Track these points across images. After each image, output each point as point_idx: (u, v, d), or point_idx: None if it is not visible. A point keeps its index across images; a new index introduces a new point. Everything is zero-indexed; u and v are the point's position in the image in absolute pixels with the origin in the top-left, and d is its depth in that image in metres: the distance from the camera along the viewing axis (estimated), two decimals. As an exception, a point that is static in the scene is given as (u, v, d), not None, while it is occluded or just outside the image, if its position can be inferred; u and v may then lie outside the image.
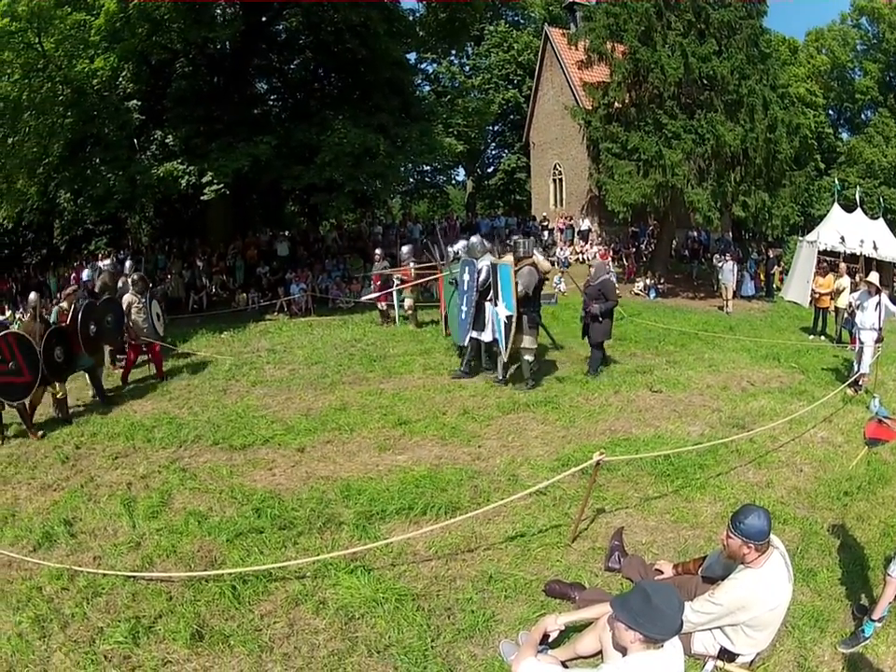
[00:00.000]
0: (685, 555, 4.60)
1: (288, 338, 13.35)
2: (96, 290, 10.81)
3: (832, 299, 14.43)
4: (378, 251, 15.40)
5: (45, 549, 4.87)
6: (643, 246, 25.18)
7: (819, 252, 18.24)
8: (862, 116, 42.50)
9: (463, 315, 9.49)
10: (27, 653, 3.71)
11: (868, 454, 6.65)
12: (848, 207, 21.06)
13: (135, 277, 10.59)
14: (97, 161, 17.75)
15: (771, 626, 3.49)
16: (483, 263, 9.09)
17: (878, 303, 9.39)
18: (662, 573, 4.17)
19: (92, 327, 8.75)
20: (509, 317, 8.34)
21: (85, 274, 14.07)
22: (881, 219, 20.94)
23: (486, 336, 9.17)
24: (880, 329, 9.41)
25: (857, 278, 15.65)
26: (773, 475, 6.12)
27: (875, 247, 18.02)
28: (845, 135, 43.15)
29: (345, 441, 7.03)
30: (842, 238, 18.38)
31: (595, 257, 20.69)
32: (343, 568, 4.43)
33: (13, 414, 7.63)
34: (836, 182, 26.04)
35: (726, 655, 3.55)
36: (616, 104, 20.35)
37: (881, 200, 28.35)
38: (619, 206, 19.65)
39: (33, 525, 5.20)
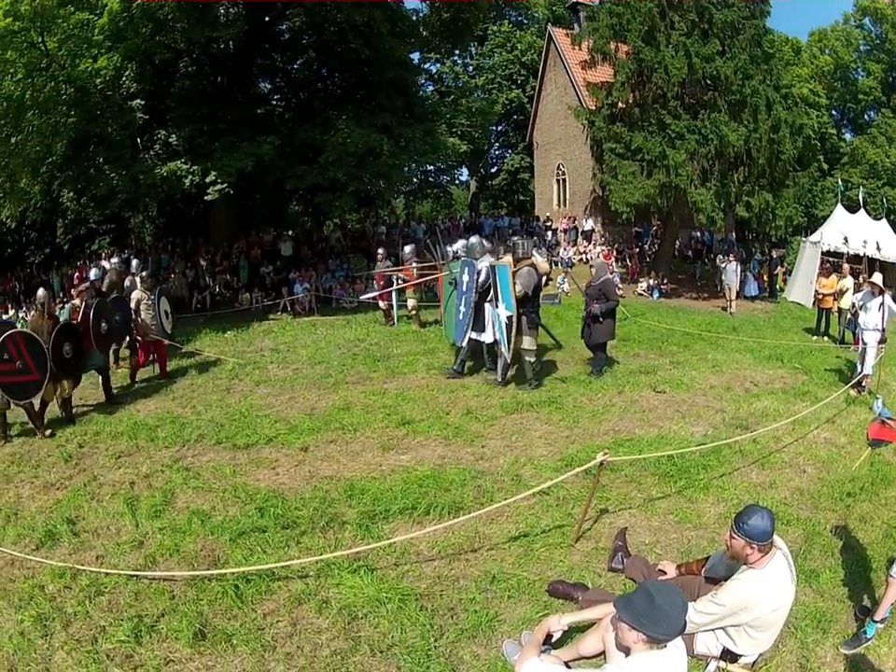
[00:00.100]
0: (688, 556, 4.60)
1: (292, 337, 13.35)
2: (104, 290, 10.85)
3: (835, 299, 14.42)
4: (380, 251, 15.40)
5: (47, 547, 4.88)
6: (646, 247, 25.12)
7: (823, 253, 18.25)
8: (865, 116, 42.33)
9: (461, 316, 9.48)
10: (29, 652, 3.72)
11: (871, 455, 6.64)
12: (852, 208, 21.04)
13: (144, 275, 10.63)
14: (100, 160, 17.79)
15: (773, 627, 3.48)
16: (483, 264, 9.10)
17: (881, 304, 9.38)
18: (665, 574, 4.16)
19: (104, 324, 8.82)
20: (509, 318, 8.35)
21: (93, 274, 14.13)
22: (884, 220, 20.95)
23: (487, 337, 9.16)
24: (883, 329, 9.38)
25: (860, 279, 15.65)
26: (776, 476, 6.12)
27: (879, 248, 18.01)
28: (848, 136, 42.99)
29: (349, 440, 7.04)
30: (845, 239, 18.38)
31: (598, 257, 20.63)
32: (346, 568, 4.43)
33: (16, 414, 7.64)
34: (840, 183, 25.95)
35: (729, 656, 3.55)
36: (620, 104, 20.31)
37: (884, 200, 28.36)
38: (622, 206, 19.62)
39: (35, 524, 5.21)
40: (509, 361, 8.81)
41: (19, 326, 9.02)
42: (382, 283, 14.35)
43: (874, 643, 3.83)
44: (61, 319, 8.65)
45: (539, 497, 5.40)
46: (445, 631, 3.88)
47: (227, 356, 11.35)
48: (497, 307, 8.59)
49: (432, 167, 37.47)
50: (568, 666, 3.35)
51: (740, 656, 3.54)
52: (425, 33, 21.25)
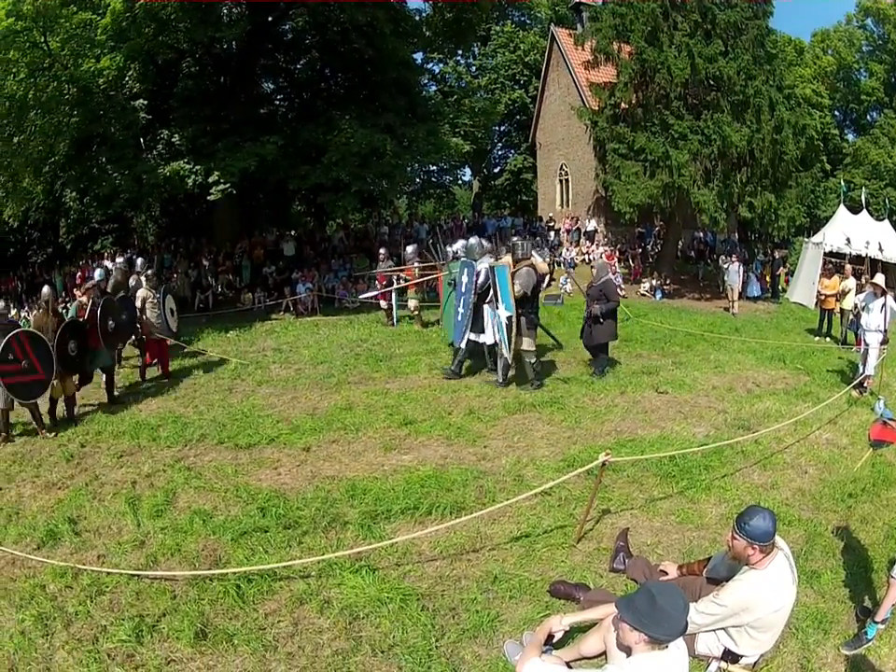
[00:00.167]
0: (690, 556, 4.59)
1: (294, 337, 13.37)
2: (108, 289, 10.86)
3: (837, 300, 14.39)
4: (382, 251, 15.40)
5: (49, 547, 4.89)
6: (649, 247, 25.11)
7: (825, 253, 18.21)
8: (868, 117, 42.30)
9: (459, 317, 9.48)
10: (30, 651, 3.73)
11: (873, 456, 6.63)
12: (854, 209, 21.02)
13: (149, 273, 10.67)
14: (103, 160, 17.81)
15: (775, 628, 3.48)
16: (482, 265, 9.10)
17: (884, 305, 9.37)
18: (666, 574, 4.16)
19: (111, 322, 8.85)
20: (509, 318, 8.34)
21: (97, 274, 14.14)
22: (887, 221, 20.89)
23: (487, 338, 9.16)
24: (885, 330, 9.38)
25: (862, 280, 15.61)
26: (778, 476, 6.11)
27: (881, 249, 17.97)
28: (850, 136, 42.97)
29: (351, 440, 7.04)
30: (847, 239, 18.35)
31: (600, 257, 20.63)
32: (348, 568, 4.44)
33: (19, 413, 7.66)
34: (842, 183, 25.94)
35: (730, 656, 3.55)
36: (622, 104, 20.31)
37: (887, 201, 28.22)
38: (625, 207, 19.62)
39: (37, 524, 5.23)
40: (510, 362, 8.81)
41: (22, 325, 9.02)
42: (384, 283, 14.36)
43: (874, 644, 3.82)
44: (67, 317, 8.68)
45: (541, 498, 5.40)
46: (447, 631, 3.88)
47: (229, 355, 11.36)
48: (496, 308, 8.59)
49: (435, 167, 37.46)
50: (570, 667, 3.35)
51: (741, 657, 3.53)
52: (428, 33, 21.27)
